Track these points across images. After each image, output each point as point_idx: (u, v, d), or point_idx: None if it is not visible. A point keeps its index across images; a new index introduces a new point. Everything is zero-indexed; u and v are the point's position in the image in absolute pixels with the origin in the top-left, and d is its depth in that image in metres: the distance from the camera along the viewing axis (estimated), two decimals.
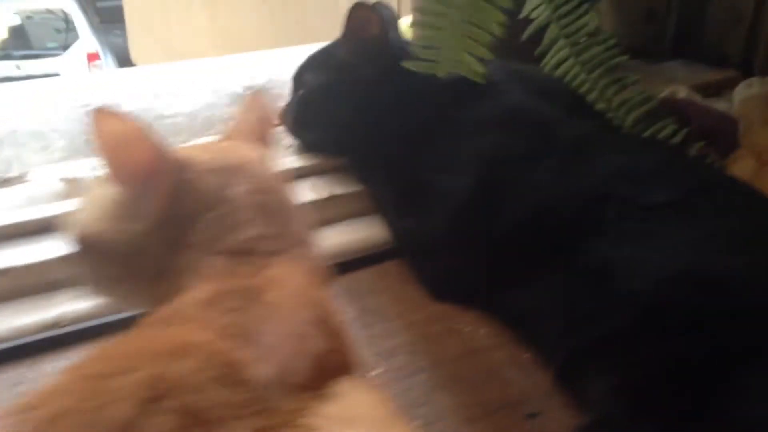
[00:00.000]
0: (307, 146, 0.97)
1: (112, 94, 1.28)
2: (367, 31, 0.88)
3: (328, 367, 0.40)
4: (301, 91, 0.95)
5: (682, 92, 1.09)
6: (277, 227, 0.48)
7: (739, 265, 0.66)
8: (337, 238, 0.88)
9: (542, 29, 1.02)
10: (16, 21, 7.09)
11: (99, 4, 7.29)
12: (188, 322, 0.39)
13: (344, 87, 0.91)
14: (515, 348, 0.77)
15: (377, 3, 1.03)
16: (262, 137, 0.58)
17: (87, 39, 6.98)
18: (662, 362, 0.63)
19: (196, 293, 0.41)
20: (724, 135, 1.03)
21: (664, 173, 0.78)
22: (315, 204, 0.89)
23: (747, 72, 1.28)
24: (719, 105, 1.10)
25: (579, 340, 0.70)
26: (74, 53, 6.88)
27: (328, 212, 0.90)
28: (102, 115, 0.44)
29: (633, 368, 0.65)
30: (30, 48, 7.00)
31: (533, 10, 1.04)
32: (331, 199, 0.91)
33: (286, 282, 0.43)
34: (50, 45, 7.04)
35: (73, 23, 7.03)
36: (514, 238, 0.78)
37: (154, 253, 0.46)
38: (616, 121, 1.00)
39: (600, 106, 1.01)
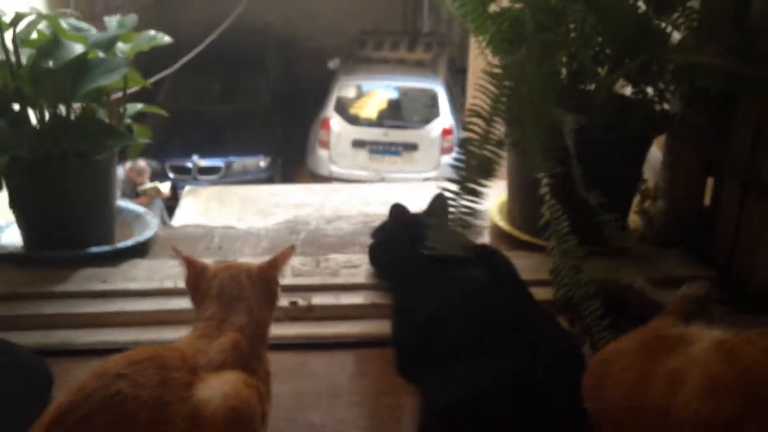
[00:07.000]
0: (376, 272, 1.70)
1: None
2: (402, 217, 1.59)
3: (230, 364, 1.12)
4: (372, 242, 1.68)
5: (639, 282, 1.54)
6: (230, 307, 1.19)
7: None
8: (367, 328, 1.58)
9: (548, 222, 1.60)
10: (395, 95, 8.53)
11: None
12: (182, 344, 1.15)
13: (387, 245, 1.62)
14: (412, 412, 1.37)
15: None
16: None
17: (445, 116, 8.22)
18: None
19: (192, 333, 1.17)
20: None
21: (516, 328, 1.34)
22: (363, 306, 1.61)
23: (726, 275, 1.64)
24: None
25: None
26: (432, 127, 8.19)
27: (369, 312, 1.61)
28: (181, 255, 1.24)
29: None
30: (400, 119, 8.40)
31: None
32: (372, 305, 1.62)
33: (226, 334, 1.16)
34: (415, 118, 8.36)
35: (437, 101, 8.23)
36: (434, 350, 1.40)
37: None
38: (569, 293, 1.54)
39: (565, 280, 1.55)
